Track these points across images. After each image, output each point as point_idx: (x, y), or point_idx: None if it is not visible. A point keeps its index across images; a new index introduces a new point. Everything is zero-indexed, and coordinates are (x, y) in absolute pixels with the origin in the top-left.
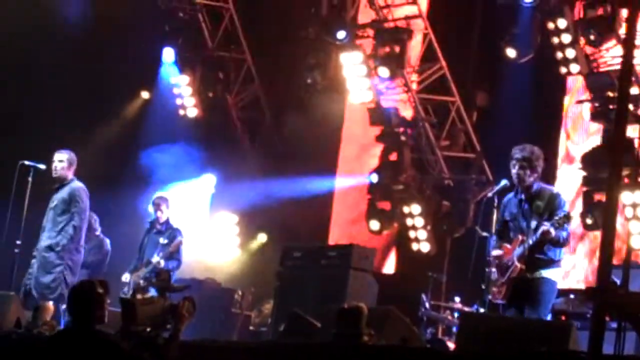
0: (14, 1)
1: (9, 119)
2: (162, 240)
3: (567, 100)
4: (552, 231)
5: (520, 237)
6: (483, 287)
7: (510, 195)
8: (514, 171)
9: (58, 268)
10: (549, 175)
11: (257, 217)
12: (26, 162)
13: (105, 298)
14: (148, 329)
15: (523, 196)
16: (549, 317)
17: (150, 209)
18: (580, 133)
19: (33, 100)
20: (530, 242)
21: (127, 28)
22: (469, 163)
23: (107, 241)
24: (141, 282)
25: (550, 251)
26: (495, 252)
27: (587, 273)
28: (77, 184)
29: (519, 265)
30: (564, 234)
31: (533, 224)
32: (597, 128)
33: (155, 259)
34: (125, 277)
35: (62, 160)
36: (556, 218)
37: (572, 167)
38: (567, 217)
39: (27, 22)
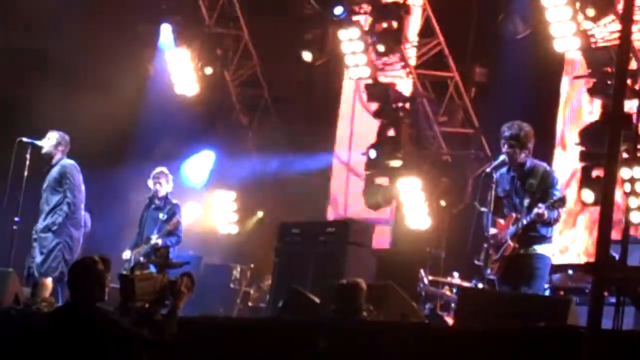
0: None
1: (8, 94)
2: (161, 216)
3: (567, 84)
4: (546, 213)
5: (513, 214)
6: (475, 262)
7: (503, 170)
8: (503, 150)
9: (57, 247)
10: (547, 151)
11: (255, 194)
12: (24, 139)
13: (105, 275)
14: (147, 305)
15: (515, 173)
16: (546, 293)
17: (150, 183)
18: (578, 127)
19: (31, 78)
20: (524, 221)
21: (125, 5)
22: (468, 139)
23: (87, 216)
24: (141, 259)
25: (542, 228)
26: (492, 230)
27: (587, 245)
28: (67, 161)
29: (511, 243)
30: (555, 213)
31: (526, 202)
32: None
33: (154, 238)
34: (126, 254)
35: (49, 139)
36: (551, 200)
37: (566, 153)
38: (563, 201)
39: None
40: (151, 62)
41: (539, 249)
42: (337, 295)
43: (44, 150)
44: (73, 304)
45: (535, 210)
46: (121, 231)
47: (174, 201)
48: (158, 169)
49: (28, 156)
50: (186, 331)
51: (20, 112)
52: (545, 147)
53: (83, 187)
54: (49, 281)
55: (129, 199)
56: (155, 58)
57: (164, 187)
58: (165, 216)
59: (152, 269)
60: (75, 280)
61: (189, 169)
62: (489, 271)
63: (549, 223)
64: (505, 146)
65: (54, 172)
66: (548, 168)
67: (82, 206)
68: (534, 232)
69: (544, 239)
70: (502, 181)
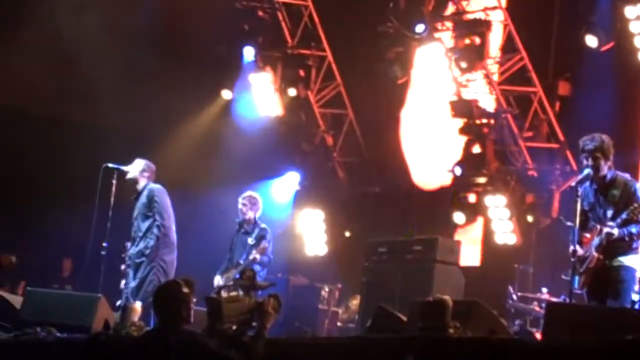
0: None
1: (94, 118)
2: (250, 241)
3: None
4: (615, 232)
5: (598, 227)
6: (563, 277)
7: (586, 184)
8: (587, 163)
9: (151, 271)
10: (632, 163)
11: (342, 214)
12: (110, 165)
13: (190, 297)
14: (234, 327)
15: (597, 186)
16: (636, 306)
17: (239, 208)
18: None
19: (115, 103)
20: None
21: (207, 28)
22: (553, 153)
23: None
24: (230, 283)
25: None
26: (578, 250)
27: None
28: (153, 186)
29: (596, 254)
30: (634, 229)
31: (609, 213)
32: None
33: (252, 256)
34: (217, 279)
35: (135, 165)
36: (631, 208)
37: None
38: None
39: (105, 19)
40: (232, 85)
41: (625, 260)
42: (423, 312)
43: (128, 176)
44: (161, 328)
45: (605, 230)
46: (210, 255)
47: (263, 225)
48: (247, 193)
49: (114, 182)
50: (273, 352)
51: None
52: (630, 159)
53: (171, 211)
54: (138, 305)
55: (216, 223)
56: (237, 81)
57: (252, 212)
58: (254, 240)
59: (239, 290)
60: (162, 304)
61: (274, 191)
62: (576, 285)
63: (624, 240)
64: (590, 159)
65: (143, 197)
66: (629, 178)
67: (174, 228)
68: (619, 243)
69: (630, 250)
70: (587, 195)
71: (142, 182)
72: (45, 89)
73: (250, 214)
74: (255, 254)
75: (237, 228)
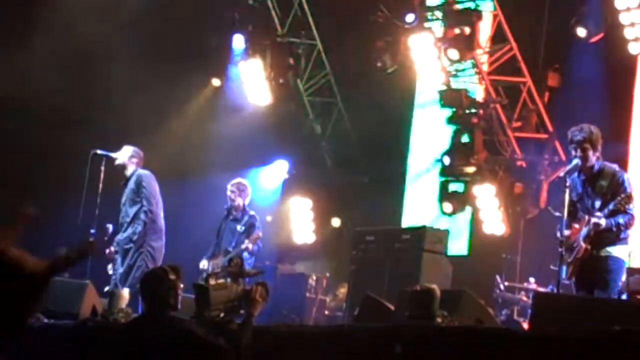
0: None
1: (82, 109)
2: (239, 228)
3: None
4: (602, 222)
5: (586, 217)
6: (552, 267)
7: (574, 175)
8: (576, 153)
9: (139, 257)
10: (621, 154)
11: (330, 202)
12: (98, 151)
13: (177, 284)
14: (221, 315)
15: (585, 177)
16: (623, 296)
17: (228, 194)
18: None
19: (105, 89)
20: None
21: (196, 16)
22: (542, 144)
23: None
24: (218, 270)
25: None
26: (566, 232)
27: None
28: (141, 171)
29: (584, 245)
30: (621, 220)
31: (597, 204)
32: None
33: (244, 245)
34: (203, 264)
35: (123, 151)
36: (618, 198)
37: None
38: (629, 198)
39: (96, 9)
40: (221, 73)
41: (613, 250)
42: (410, 301)
43: (117, 162)
44: (148, 314)
45: (593, 220)
46: (199, 242)
47: (252, 212)
48: (236, 180)
49: (103, 168)
50: (261, 340)
51: (93, 125)
52: (619, 150)
53: (159, 197)
54: (125, 292)
55: (205, 210)
56: (225, 69)
57: (242, 200)
58: (243, 228)
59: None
60: (149, 291)
61: (262, 178)
62: (564, 275)
63: (611, 230)
64: (578, 150)
65: (131, 183)
66: (617, 169)
67: (162, 214)
68: (606, 233)
69: (617, 240)
70: (575, 185)
71: (130, 168)
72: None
73: (239, 201)
74: (247, 243)
75: (226, 214)
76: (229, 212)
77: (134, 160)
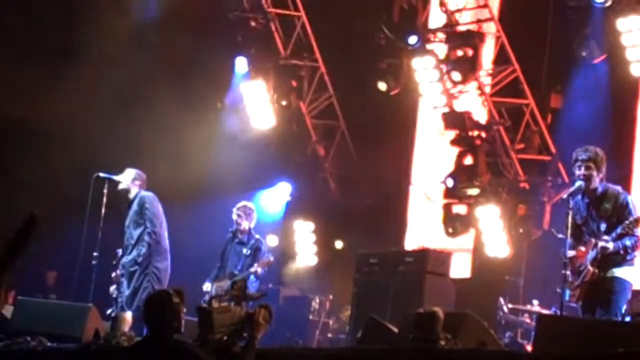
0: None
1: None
2: (245, 251)
3: None
4: (610, 246)
5: (593, 240)
6: (558, 290)
7: (578, 197)
8: (579, 172)
9: (145, 279)
10: (625, 176)
11: (333, 224)
12: (101, 174)
13: (181, 307)
14: (225, 337)
15: (589, 199)
16: (627, 319)
17: (234, 218)
18: None
19: (109, 111)
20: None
21: (199, 39)
22: (545, 165)
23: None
24: (222, 292)
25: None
26: (570, 253)
27: None
28: (145, 193)
29: (591, 269)
30: (628, 242)
31: (603, 226)
32: None
33: (253, 269)
34: (207, 286)
35: (126, 174)
36: (626, 222)
37: None
38: (637, 222)
39: (106, 30)
40: (224, 96)
41: (618, 272)
42: (414, 324)
43: (120, 186)
44: (152, 337)
45: (600, 244)
46: (202, 264)
47: (257, 236)
48: (242, 203)
49: (105, 191)
50: None
51: (95, 149)
52: (623, 172)
53: (163, 218)
54: (128, 315)
55: (209, 233)
56: (228, 91)
57: (247, 223)
58: (249, 251)
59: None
60: (152, 314)
61: (265, 201)
62: (568, 297)
63: (619, 253)
64: (582, 169)
65: (134, 205)
66: (621, 190)
67: (166, 235)
68: (613, 256)
69: (624, 262)
70: (578, 208)
71: (133, 191)
72: (38, 98)
73: (245, 224)
74: (256, 267)
75: (231, 237)
76: (235, 235)
77: (137, 182)
